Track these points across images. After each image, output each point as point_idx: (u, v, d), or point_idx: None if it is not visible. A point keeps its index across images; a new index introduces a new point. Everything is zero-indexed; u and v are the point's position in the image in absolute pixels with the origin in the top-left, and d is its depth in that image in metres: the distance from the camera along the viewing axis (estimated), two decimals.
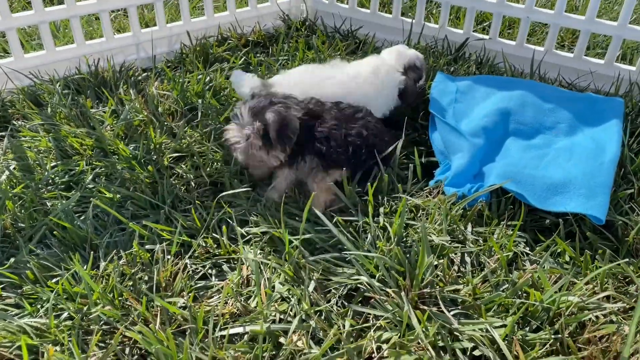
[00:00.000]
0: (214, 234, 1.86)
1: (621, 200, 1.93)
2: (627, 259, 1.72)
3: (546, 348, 1.47)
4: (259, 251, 1.80)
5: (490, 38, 2.85)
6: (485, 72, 2.76)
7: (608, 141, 2.11)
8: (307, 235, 1.79)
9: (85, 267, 1.68)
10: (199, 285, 1.72)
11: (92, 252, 1.75)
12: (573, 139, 2.21)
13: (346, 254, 1.71)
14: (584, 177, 1.92)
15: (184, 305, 1.62)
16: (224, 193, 1.96)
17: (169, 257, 1.76)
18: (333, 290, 1.68)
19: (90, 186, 2.01)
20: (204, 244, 1.81)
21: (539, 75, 2.72)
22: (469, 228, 1.89)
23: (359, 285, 1.67)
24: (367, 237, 1.79)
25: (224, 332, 1.55)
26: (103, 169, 2.11)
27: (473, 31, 2.94)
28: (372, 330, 1.55)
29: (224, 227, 1.84)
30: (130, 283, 1.69)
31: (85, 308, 1.60)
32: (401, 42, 3.00)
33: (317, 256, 1.74)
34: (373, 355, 1.49)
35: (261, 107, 1.91)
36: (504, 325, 1.51)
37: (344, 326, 1.57)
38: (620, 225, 1.85)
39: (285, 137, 1.89)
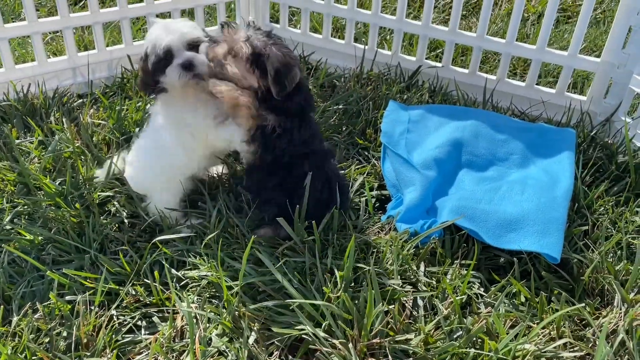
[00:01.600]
0: (145, 280, 1.69)
1: (575, 237, 1.87)
2: (582, 303, 1.65)
3: None
4: (195, 298, 1.65)
5: (442, 66, 2.80)
6: (438, 100, 2.70)
7: (561, 174, 2.07)
8: (249, 280, 1.65)
9: None
10: (126, 339, 1.55)
11: (3, 305, 1.55)
12: (526, 171, 2.16)
13: (290, 302, 1.57)
14: (537, 213, 1.86)
15: None
16: (160, 237, 1.79)
17: (92, 307, 1.58)
18: (276, 342, 1.54)
19: (8, 227, 1.81)
20: (133, 292, 1.65)
21: (491, 103, 2.68)
22: (422, 268, 1.79)
23: (303, 336, 1.53)
24: (314, 280, 1.67)
25: None
26: (25, 207, 1.92)
27: (426, 58, 2.89)
28: None
29: (156, 272, 1.67)
30: (47, 340, 1.50)
31: None
32: (354, 68, 2.93)
33: (259, 304, 1.60)
34: None
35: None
36: None
37: None
38: (576, 263, 1.79)
39: (285, 80, 1.65)
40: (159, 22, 1.73)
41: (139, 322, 1.60)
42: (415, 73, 2.85)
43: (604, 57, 2.44)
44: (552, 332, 1.57)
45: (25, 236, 1.79)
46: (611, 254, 1.84)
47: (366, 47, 2.93)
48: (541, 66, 2.67)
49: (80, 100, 2.58)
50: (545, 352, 1.47)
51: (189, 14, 3.36)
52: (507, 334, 1.50)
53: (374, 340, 1.49)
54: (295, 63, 1.68)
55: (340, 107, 2.58)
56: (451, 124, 2.34)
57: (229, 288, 1.64)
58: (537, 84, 2.68)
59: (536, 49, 2.56)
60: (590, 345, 1.54)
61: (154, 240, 1.77)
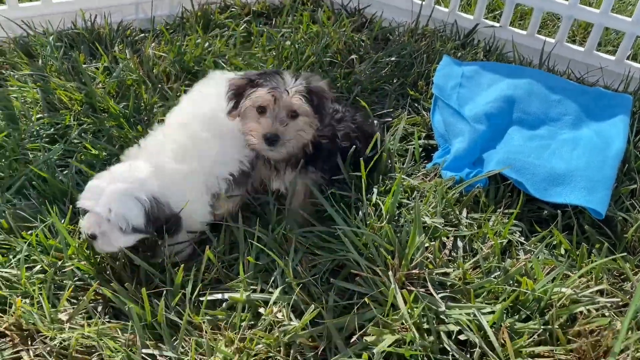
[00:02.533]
0: None
1: (623, 196, 1.87)
2: (621, 256, 1.66)
3: (534, 338, 1.42)
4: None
5: (500, 26, 2.77)
6: (493, 60, 2.68)
7: (614, 136, 2.05)
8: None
9: (62, 221, 1.61)
10: None
11: (71, 207, 1.67)
12: (578, 132, 2.15)
13: (334, 227, 1.64)
14: (586, 170, 1.86)
15: (162, 268, 1.55)
16: None
17: None
18: (319, 265, 1.62)
19: (76, 141, 1.94)
20: None
21: (547, 67, 2.64)
22: (464, 213, 1.83)
23: (345, 261, 1.60)
24: (358, 214, 1.73)
25: (202, 298, 1.48)
26: (90, 125, 2.03)
27: (484, 18, 2.86)
28: (355, 308, 1.49)
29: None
30: None
31: (59, 262, 1.53)
32: (409, 22, 2.92)
33: (305, 228, 1.68)
34: (355, 333, 1.43)
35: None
36: (493, 312, 1.45)
37: (326, 301, 1.51)
38: (620, 221, 1.80)
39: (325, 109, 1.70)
40: None
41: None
42: (472, 31, 2.82)
43: None
44: (589, 282, 1.60)
45: (91, 150, 1.90)
46: None
47: (423, 2, 2.91)
48: (602, 35, 2.60)
49: (143, 35, 2.68)
50: (581, 296, 1.50)
51: None
52: (545, 277, 1.53)
53: (413, 271, 1.55)
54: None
55: (393, 59, 2.60)
56: (505, 82, 2.33)
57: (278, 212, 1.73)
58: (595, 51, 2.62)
59: (599, 12, 2.50)
60: (627, 296, 1.56)
61: None
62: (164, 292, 1.47)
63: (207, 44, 2.56)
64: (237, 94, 1.64)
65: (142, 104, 2.14)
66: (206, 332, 1.40)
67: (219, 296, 1.49)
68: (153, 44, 2.56)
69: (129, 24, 2.76)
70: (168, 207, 1.51)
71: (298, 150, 1.69)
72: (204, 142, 1.66)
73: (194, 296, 1.47)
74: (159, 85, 2.29)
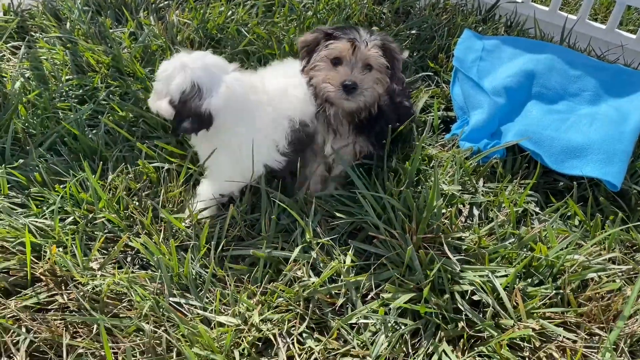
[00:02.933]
0: None
1: (639, 170, 1.89)
2: (638, 230, 1.69)
3: (546, 301, 1.46)
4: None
5: (522, 1, 2.76)
6: (514, 35, 2.68)
7: (632, 112, 2.06)
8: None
9: (93, 176, 1.68)
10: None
11: (101, 164, 1.73)
12: (597, 107, 2.16)
13: (354, 191, 1.69)
14: (603, 143, 1.88)
15: (188, 225, 1.61)
16: None
17: (179, 177, 1.75)
18: (338, 228, 1.67)
19: (104, 102, 1.99)
20: None
21: (568, 44, 2.64)
22: (481, 182, 1.86)
23: (363, 224, 1.66)
24: (378, 180, 1.78)
25: (226, 253, 1.55)
26: (117, 88, 2.08)
27: None
28: (372, 268, 1.55)
29: None
30: (136, 198, 1.68)
31: (90, 214, 1.60)
32: None
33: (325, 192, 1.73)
34: (371, 291, 1.49)
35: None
36: (506, 275, 1.50)
37: (344, 261, 1.57)
38: (635, 194, 1.82)
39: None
40: None
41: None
42: (494, 7, 2.82)
43: None
44: (602, 251, 1.63)
45: (119, 111, 1.96)
46: None
47: None
48: (624, 13, 2.59)
49: (167, 2, 2.71)
50: (594, 264, 1.54)
51: None
52: (559, 245, 1.57)
53: (430, 235, 1.60)
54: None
55: (414, 32, 2.61)
56: (525, 56, 2.33)
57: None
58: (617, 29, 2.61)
59: None
60: (639, 265, 1.60)
61: None
62: (191, 245, 1.53)
63: (230, 12, 2.58)
64: (310, 50, 1.67)
65: None
66: (229, 284, 1.47)
67: (242, 252, 1.55)
68: (177, 11, 2.60)
69: None
70: None
71: (370, 104, 1.69)
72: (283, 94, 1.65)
73: (218, 251, 1.54)
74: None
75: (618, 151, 1.86)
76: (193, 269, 1.48)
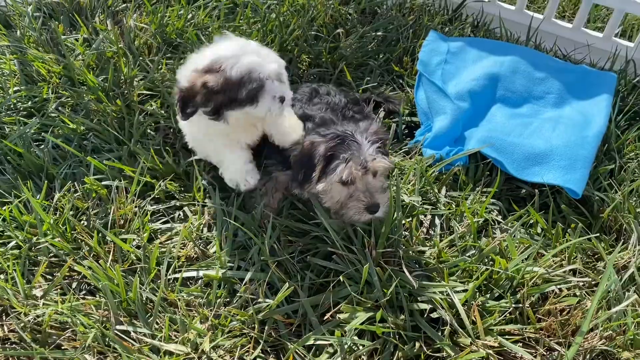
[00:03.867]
0: (178, 179, 1.78)
1: (601, 177, 1.88)
2: (597, 234, 1.68)
3: (505, 316, 1.44)
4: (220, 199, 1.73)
5: (489, 0, 2.72)
6: (480, 35, 2.65)
7: (596, 115, 2.04)
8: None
9: (38, 197, 1.61)
10: (156, 227, 1.65)
11: (47, 182, 1.66)
12: (561, 110, 2.14)
13: (313, 215, 1.64)
14: (565, 149, 1.86)
15: (138, 245, 1.56)
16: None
17: (127, 195, 1.68)
18: (296, 244, 1.62)
19: (53, 115, 1.91)
20: (165, 188, 1.73)
21: (535, 43, 2.62)
22: (443, 191, 1.83)
23: (324, 239, 1.61)
24: None
25: (177, 275, 1.49)
26: (69, 99, 2.00)
27: None
28: (331, 286, 1.51)
29: (196, 168, 1.73)
30: (84, 218, 1.61)
31: (34, 238, 1.53)
32: None
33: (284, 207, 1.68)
34: (330, 310, 1.45)
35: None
36: (465, 291, 1.47)
37: (302, 279, 1.52)
38: (597, 201, 1.81)
39: None
40: (241, 41, 1.54)
41: (171, 212, 1.70)
42: (460, 6, 2.78)
43: None
44: (563, 262, 1.61)
45: (69, 124, 1.88)
46: (635, 197, 1.85)
47: None
48: (591, 9, 2.57)
49: (125, 5, 2.62)
50: (554, 276, 1.52)
51: None
52: (519, 256, 1.55)
53: (389, 249, 1.56)
54: None
55: (380, 33, 2.56)
56: (490, 58, 2.30)
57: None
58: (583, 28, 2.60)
59: None
60: (600, 276, 1.58)
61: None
62: (138, 269, 1.47)
63: (190, 15, 2.51)
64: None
65: (122, 77, 2.10)
66: (180, 309, 1.41)
67: (194, 274, 1.49)
68: (135, 15, 2.51)
69: None
70: None
71: None
72: None
73: (168, 273, 1.48)
74: (140, 58, 2.25)
75: (580, 157, 1.84)
76: (142, 293, 1.42)
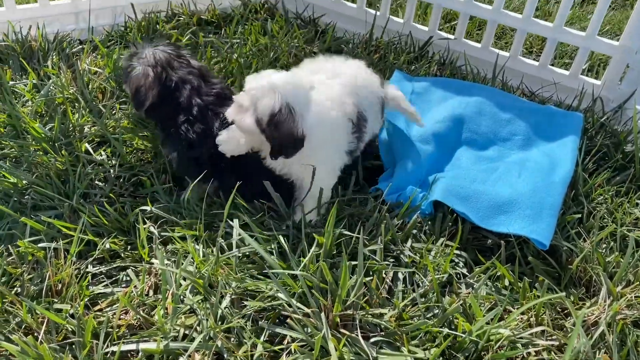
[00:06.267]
0: (122, 237, 1.67)
1: (568, 225, 1.81)
2: (566, 292, 1.60)
3: None
4: (166, 256, 1.63)
5: (455, 38, 2.70)
6: (446, 73, 2.61)
7: (562, 159, 1.99)
8: (230, 241, 1.63)
9: None
10: (98, 291, 1.54)
11: None
12: (527, 153, 2.09)
13: (269, 272, 1.54)
14: (531, 196, 1.80)
15: (73, 314, 1.43)
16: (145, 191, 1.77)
17: (67, 256, 1.57)
18: (248, 305, 1.52)
19: None
20: (108, 247, 1.62)
21: (502, 81, 2.58)
22: (409, 243, 1.75)
23: (277, 297, 1.51)
24: (296, 247, 1.64)
25: (115, 348, 1.37)
26: (12, 150, 1.89)
27: (440, 29, 2.79)
28: (284, 354, 1.40)
29: (140, 227, 1.63)
30: (18, 284, 1.49)
31: None
32: (363, 34, 2.83)
33: (238, 268, 1.58)
34: None
35: None
36: (427, 359, 1.37)
37: (254, 347, 1.41)
38: (565, 251, 1.74)
39: None
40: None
41: (115, 274, 1.59)
42: (426, 44, 2.75)
43: (622, 40, 2.32)
44: (531, 319, 1.53)
45: (9, 178, 1.77)
46: (604, 245, 1.79)
47: (378, 13, 2.83)
48: (558, 46, 2.55)
49: (81, 47, 2.53)
50: (520, 337, 1.44)
51: None
52: (485, 316, 1.46)
53: (347, 312, 1.46)
54: None
55: None
56: (455, 99, 2.26)
57: (206, 246, 1.63)
58: (551, 64, 2.57)
59: (553, 27, 2.44)
60: (569, 335, 1.50)
61: (135, 192, 1.75)
62: (71, 343, 1.35)
63: None
64: None
65: (71, 125, 2.00)
66: None
67: (133, 347, 1.37)
68: (89, 58, 2.42)
69: (67, 35, 2.61)
70: None
71: None
72: None
73: (105, 347, 1.36)
74: (93, 103, 2.16)
75: (546, 205, 1.78)
76: None
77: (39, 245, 1.57)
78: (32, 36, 2.48)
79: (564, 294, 1.54)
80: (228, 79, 2.38)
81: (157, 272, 1.57)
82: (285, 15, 3.03)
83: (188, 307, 1.49)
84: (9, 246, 1.57)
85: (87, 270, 1.58)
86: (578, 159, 2.00)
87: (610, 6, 2.69)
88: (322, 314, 1.45)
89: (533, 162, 1.99)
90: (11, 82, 2.18)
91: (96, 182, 1.84)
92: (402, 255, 1.70)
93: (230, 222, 1.63)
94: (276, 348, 1.43)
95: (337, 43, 2.79)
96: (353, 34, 2.89)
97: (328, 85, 1.75)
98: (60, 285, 1.51)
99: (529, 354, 1.42)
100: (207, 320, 1.44)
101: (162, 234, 1.69)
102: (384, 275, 1.63)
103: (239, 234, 1.59)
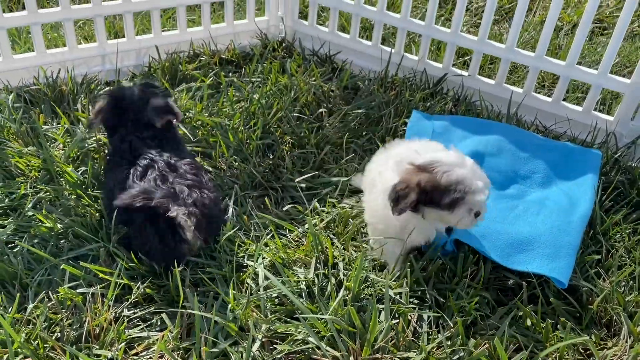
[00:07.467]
0: (156, 280, 1.73)
1: (587, 265, 1.85)
2: (588, 333, 1.63)
3: None
4: (198, 301, 1.68)
5: (469, 75, 2.77)
6: (461, 109, 2.68)
7: (581, 197, 2.04)
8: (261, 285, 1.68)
9: (10, 309, 1.55)
10: (134, 334, 1.59)
11: (20, 292, 1.61)
12: (546, 191, 2.14)
13: (299, 317, 1.59)
14: (550, 235, 1.84)
15: (112, 358, 1.49)
16: None
17: (104, 300, 1.63)
18: (278, 348, 1.57)
19: (30, 214, 1.87)
20: (143, 291, 1.68)
21: (516, 117, 2.64)
22: (431, 283, 1.79)
23: (307, 341, 1.56)
24: (324, 290, 1.69)
25: None
26: (47, 194, 1.97)
27: (454, 65, 2.87)
28: None
29: (175, 270, 1.68)
30: (58, 329, 1.55)
31: (4, 357, 1.46)
32: (379, 71, 2.91)
33: (269, 312, 1.63)
34: None
35: None
36: None
37: None
38: (586, 290, 1.77)
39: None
40: (460, 155, 1.70)
41: (148, 317, 1.64)
42: (441, 80, 2.82)
43: (634, 78, 2.38)
44: None
45: (45, 222, 1.84)
46: (623, 284, 1.82)
47: (393, 50, 2.91)
48: (570, 82, 2.62)
49: (108, 88, 2.63)
50: None
51: (220, 4, 3.39)
52: (509, 359, 1.50)
53: (376, 355, 1.51)
54: None
55: (362, 111, 2.58)
56: (474, 138, 2.32)
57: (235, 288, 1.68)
58: (564, 99, 2.63)
59: (565, 65, 2.51)
60: None
61: None
62: None
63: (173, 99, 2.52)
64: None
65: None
66: None
67: None
68: None
69: (94, 77, 2.71)
70: None
71: None
72: None
73: None
74: None
75: (565, 244, 1.82)
76: None
77: (78, 290, 1.63)
78: (62, 79, 2.58)
79: (587, 337, 1.58)
80: (250, 120, 2.45)
81: (189, 315, 1.63)
82: (302, 53, 3.13)
83: (221, 351, 1.54)
84: (49, 292, 1.63)
85: (123, 313, 1.63)
86: (595, 198, 2.05)
87: None
88: (351, 358, 1.50)
89: (552, 201, 2.04)
90: (44, 127, 2.27)
91: None
92: (425, 297, 1.74)
93: (255, 265, 1.68)
94: None
95: (354, 80, 2.87)
96: (368, 70, 2.98)
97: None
98: (97, 330, 1.56)
99: None
100: None
101: (192, 276, 1.75)
102: (409, 317, 1.68)
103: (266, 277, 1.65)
